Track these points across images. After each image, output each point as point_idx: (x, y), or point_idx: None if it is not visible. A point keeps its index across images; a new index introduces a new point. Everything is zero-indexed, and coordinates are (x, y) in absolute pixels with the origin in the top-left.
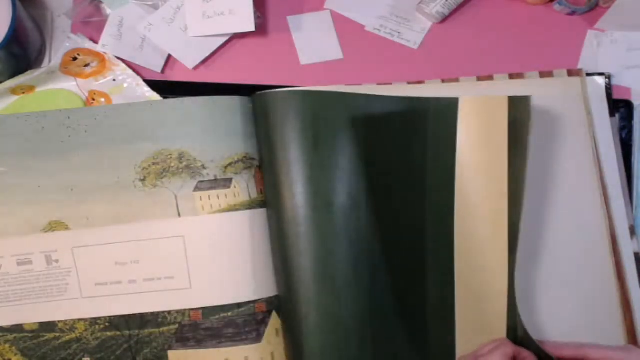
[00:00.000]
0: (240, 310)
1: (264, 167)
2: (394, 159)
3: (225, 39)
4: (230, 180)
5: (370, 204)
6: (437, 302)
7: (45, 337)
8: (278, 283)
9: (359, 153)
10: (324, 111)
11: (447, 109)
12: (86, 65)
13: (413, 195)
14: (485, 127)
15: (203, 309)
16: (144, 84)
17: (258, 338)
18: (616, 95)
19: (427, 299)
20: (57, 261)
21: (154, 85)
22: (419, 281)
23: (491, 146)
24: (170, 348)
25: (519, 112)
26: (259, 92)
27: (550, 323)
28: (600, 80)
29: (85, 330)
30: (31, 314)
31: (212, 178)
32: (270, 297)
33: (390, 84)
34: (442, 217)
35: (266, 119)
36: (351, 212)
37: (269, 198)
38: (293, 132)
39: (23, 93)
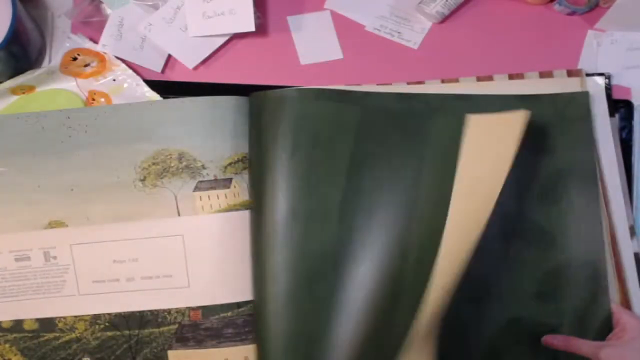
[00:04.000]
0: (240, 310)
1: (251, 167)
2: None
3: (225, 39)
4: (230, 180)
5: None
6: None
7: (45, 337)
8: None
9: (354, 154)
10: (317, 110)
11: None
12: (86, 65)
13: (404, 207)
14: (492, 147)
15: (202, 308)
16: (144, 84)
17: None
18: (616, 95)
19: (396, 323)
20: (55, 257)
21: (154, 85)
22: (392, 304)
23: (494, 164)
24: (170, 348)
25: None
26: (254, 92)
27: None
28: (600, 81)
29: (85, 330)
30: (28, 310)
31: (212, 178)
32: None
33: (390, 84)
34: (430, 231)
35: (258, 118)
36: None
37: (252, 199)
38: (284, 133)
39: (23, 93)
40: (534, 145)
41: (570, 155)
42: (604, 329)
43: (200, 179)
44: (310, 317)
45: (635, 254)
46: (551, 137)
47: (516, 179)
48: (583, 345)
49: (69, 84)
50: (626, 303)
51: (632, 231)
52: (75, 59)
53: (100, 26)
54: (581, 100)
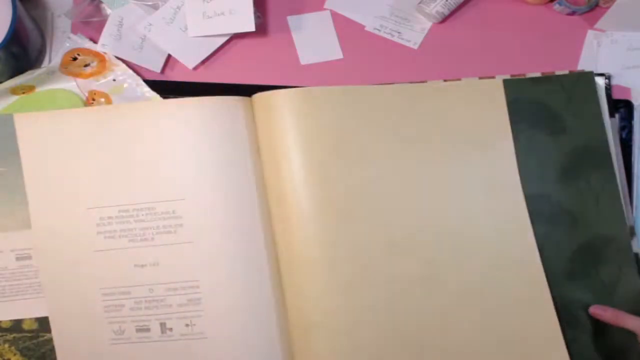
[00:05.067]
0: None
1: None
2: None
3: (225, 39)
4: None
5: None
6: None
7: (45, 337)
8: None
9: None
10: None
11: None
12: (86, 65)
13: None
14: None
15: None
16: (144, 84)
17: None
18: (616, 95)
19: None
20: None
21: (154, 85)
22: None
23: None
24: None
25: None
26: (259, 93)
27: None
28: (600, 81)
29: None
30: (29, 310)
31: None
32: None
33: (391, 84)
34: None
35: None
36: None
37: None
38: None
39: (23, 93)
40: (549, 125)
41: (583, 133)
42: (636, 301)
43: None
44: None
45: (635, 254)
46: (564, 117)
47: (536, 162)
48: (629, 320)
49: (69, 84)
50: None
51: (632, 231)
52: (75, 59)
53: (100, 26)
54: (586, 79)
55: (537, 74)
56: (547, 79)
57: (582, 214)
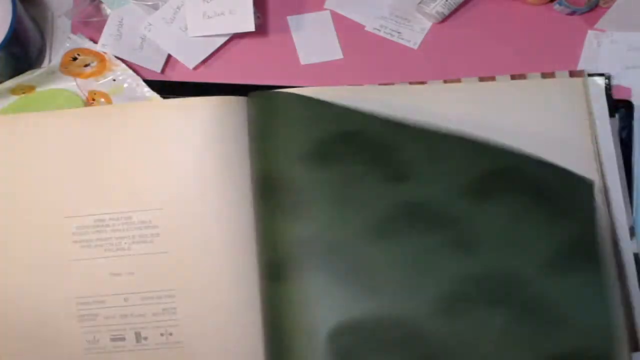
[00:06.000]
0: None
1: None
2: None
3: (225, 39)
4: None
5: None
6: None
7: None
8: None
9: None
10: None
11: None
12: (86, 65)
13: None
14: None
15: None
16: (144, 84)
17: None
18: (616, 95)
19: None
20: None
21: (154, 85)
22: None
23: None
24: None
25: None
26: (253, 92)
27: None
28: (600, 81)
29: None
30: None
31: None
32: None
33: (392, 84)
34: None
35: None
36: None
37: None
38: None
39: (23, 93)
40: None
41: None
42: None
43: None
44: None
45: (635, 254)
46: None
47: (522, 236)
48: None
49: (69, 84)
50: (626, 304)
51: (632, 231)
52: (75, 59)
53: (100, 26)
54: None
55: (538, 74)
56: None
57: (573, 314)
